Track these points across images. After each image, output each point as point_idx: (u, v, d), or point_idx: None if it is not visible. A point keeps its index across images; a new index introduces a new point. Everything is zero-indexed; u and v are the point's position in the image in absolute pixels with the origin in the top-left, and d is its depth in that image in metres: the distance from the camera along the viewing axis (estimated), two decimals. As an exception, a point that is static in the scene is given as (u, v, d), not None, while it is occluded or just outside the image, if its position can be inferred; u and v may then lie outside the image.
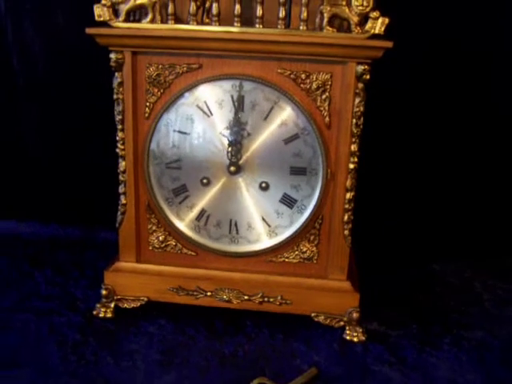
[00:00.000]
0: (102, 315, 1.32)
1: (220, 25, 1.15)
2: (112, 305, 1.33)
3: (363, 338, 1.27)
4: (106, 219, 1.54)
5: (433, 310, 1.41)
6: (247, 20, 1.17)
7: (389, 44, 1.10)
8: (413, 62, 1.54)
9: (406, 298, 1.45)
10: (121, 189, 1.27)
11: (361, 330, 1.27)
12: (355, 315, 1.26)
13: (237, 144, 1.22)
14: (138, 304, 1.33)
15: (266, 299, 1.29)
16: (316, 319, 1.28)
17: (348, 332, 1.27)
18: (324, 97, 1.17)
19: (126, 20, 1.16)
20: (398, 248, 1.69)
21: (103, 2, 1.14)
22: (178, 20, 1.19)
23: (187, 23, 1.16)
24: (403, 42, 1.43)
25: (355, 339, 1.27)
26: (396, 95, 1.57)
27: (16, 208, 1.78)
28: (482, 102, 1.59)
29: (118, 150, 1.25)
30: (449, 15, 1.52)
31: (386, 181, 1.67)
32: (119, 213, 1.29)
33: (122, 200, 1.28)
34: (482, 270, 1.63)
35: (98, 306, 1.33)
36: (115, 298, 1.32)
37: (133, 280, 1.32)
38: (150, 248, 1.32)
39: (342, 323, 1.28)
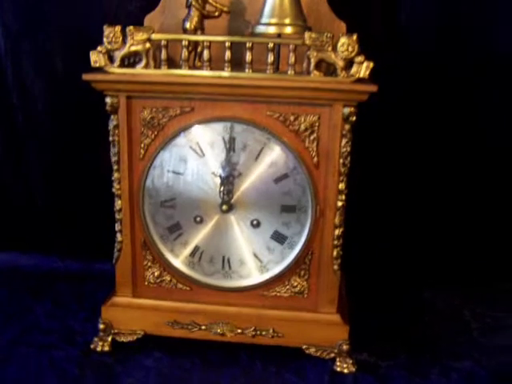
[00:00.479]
0: (99, 349, 1.35)
1: (211, 68, 1.18)
2: (109, 338, 1.36)
3: (353, 369, 1.30)
4: (105, 251, 1.58)
5: (422, 340, 1.43)
6: (237, 62, 1.22)
7: (373, 88, 1.13)
8: (401, 88, 1.57)
9: (396, 328, 1.48)
10: (117, 226, 1.30)
11: (351, 362, 1.30)
12: (345, 347, 1.29)
13: (228, 183, 1.25)
14: (135, 337, 1.35)
15: (258, 332, 1.32)
16: (307, 351, 1.31)
17: (338, 363, 1.30)
18: (312, 138, 1.21)
19: (121, 65, 1.19)
20: (389, 273, 1.72)
21: (99, 48, 1.18)
22: (171, 62, 1.23)
23: (180, 67, 1.20)
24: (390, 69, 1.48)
25: (345, 370, 1.30)
26: (387, 118, 1.60)
27: (17, 240, 1.81)
28: (468, 127, 1.62)
29: (114, 190, 1.28)
30: (437, 41, 1.55)
31: (380, 206, 1.70)
32: (116, 249, 1.32)
33: (119, 237, 1.31)
34: (472, 298, 1.65)
35: (96, 339, 1.36)
36: (112, 331, 1.35)
37: (129, 314, 1.35)
38: (146, 283, 1.35)
39: (332, 355, 1.31)
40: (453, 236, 1.72)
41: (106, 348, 1.35)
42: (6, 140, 1.70)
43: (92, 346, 1.36)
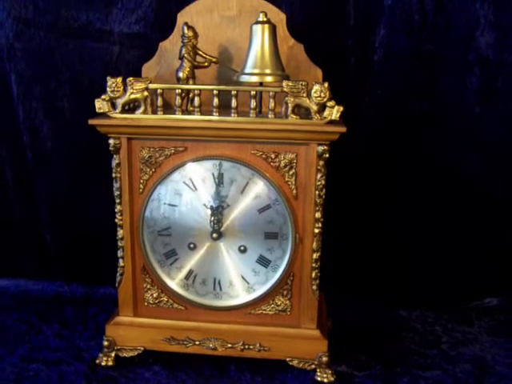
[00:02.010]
0: (104, 363, 1.46)
1: (202, 113, 1.33)
2: (113, 354, 1.47)
3: (332, 379, 1.41)
4: (106, 278, 1.73)
5: (396, 353, 1.56)
6: (225, 104, 1.34)
7: (343, 129, 1.28)
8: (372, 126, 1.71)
9: (373, 342, 1.60)
10: (119, 253, 1.42)
11: (330, 372, 1.42)
12: (324, 359, 1.41)
13: (218, 214, 1.38)
14: (136, 353, 1.47)
15: (246, 346, 1.43)
16: (290, 363, 1.42)
17: (319, 374, 1.42)
18: (291, 173, 1.34)
19: (122, 111, 1.32)
20: (368, 294, 1.83)
21: (103, 97, 1.32)
22: (166, 106, 1.36)
23: (174, 112, 1.34)
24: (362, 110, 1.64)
25: (325, 380, 1.41)
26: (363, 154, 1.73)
27: (27, 267, 1.92)
28: (433, 161, 1.72)
29: (116, 221, 1.41)
30: (403, 84, 1.68)
31: (359, 233, 1.80)
32: (118, 274, 1.44)
33: (121, 263, 1.43)
34: (444, 316, 1.77)
35: (101, 355, 1.47)
36: (115, 348, 1.47)
37: (131, 332, 1.46)
38: (146, 304, 1.46)
39: (313, 366, 1.42)
40: (427, 259, 1.82)
41: (110, 363, 1.47)
42: (17, 176, 1.81)
43: (97, 361, 1.47)
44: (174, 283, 1.45)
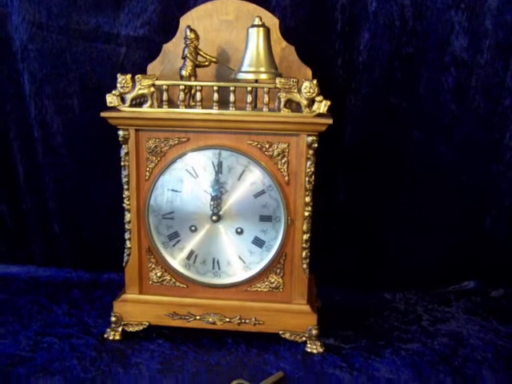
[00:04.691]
0: (111, 337, 1.57)
1: (203, 107, 1.45)
2: (120, 329, 1.57)
3: (321, 350, 1.53)
4: (111, 264, 1.86)
5: (380, 329, 1.69)
6: (224, 100, 1.46)
7: (330, 121, 1.40)
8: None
9: (359, 321, 1.73)
10: (127, 235, 1.54)
11: (319, 344, 1.54)
12: (314, 332, 1.53)
13: (217, 199, 1.49)
14: (141, 328, 1.57)
15: (243, 321, 1.54)
16: (283, 336, 1.53)
17: (309, 345, 1.53)
18: (283, 161, 1.46)
19: (131, 105, 1.44)
20: (356, 279, 1.96)
21: (113, 92, 1.44)
22: (170, 102, 1.48)
23: (177, 106, 1.46)
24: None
25: (315, 351, 1.53)
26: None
27: (37, 255, 2.03)
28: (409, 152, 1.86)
29: (124, 205, 1.52)
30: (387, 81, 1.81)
31: (345, 224, 1.93)
32: (125, 254, 1.55)
33: (128, 244, 1.54)
34: (425, 298, 1.91)
35: (109, 330, 1.58)
36: (122, 323, 1.57)
37: (136, 308, 1.56)
38: (150, 282, 1.56)
39: (304, 339, 1.53)
40: (410, 246, 1.94)
41: (118, 337, 1.57)
42: (28, 168, 1.92)
43: (105, 336, 1.58)
44: (177, 263, 1.55)
